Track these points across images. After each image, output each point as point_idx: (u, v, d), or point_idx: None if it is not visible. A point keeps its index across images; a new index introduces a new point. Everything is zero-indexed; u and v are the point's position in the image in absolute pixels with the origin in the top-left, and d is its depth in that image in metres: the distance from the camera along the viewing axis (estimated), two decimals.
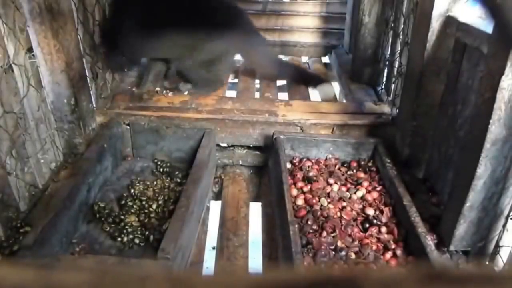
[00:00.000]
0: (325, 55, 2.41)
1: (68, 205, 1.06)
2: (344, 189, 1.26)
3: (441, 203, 1.21)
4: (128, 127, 1.42)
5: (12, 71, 1.10)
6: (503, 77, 0.84)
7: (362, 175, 1.31)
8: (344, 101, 1.84)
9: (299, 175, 1.30)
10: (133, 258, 0.97)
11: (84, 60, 1.40)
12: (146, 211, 1.17)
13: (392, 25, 1.68)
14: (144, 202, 1.20)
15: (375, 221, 1.13)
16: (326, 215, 1.13)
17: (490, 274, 0.21)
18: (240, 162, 1.53)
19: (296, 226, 1.02)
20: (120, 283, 0.19)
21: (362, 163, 1.37)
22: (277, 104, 1.60)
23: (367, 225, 1.12)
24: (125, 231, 1.09)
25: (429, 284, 0.20)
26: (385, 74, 1.79)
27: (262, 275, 0.21)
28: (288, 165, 1.35)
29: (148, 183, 1.28)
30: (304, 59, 2.40)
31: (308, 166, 1.34)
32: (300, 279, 0.20)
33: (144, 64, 1.99)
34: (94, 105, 1.48)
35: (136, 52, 1.81)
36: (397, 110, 1.50)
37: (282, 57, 2.30)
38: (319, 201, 1.19)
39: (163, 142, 1.41)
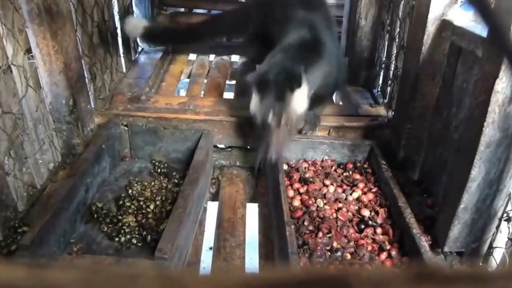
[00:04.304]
0: None
1: (66, 205, 1.06)
2: (340, 190, 1.26)
3: (436, 204, 1.22)
4: (126, 128, 1.42)
5: (11, 71, 1.10)
6: (497, 80, 0.86)
7: (358, 176, 1.32)
8: (341, 103, 1.85)
9: (296, 176, 1.31)
10: (130, 258, 0.98)
11: (82, 61, 1.41)
12: (143, 211, 1.18)
13: (388, 28, 1.70)
14: (141, 203, 1.20)
15: (370, 222, 1.14)
16: (322, 216, 1.14)
17: (480, 273, 0.21)
18: (237, 163, 1.54)
19: (293, 227, 1.03)
20: (111, 281, 0.19)
21: (358, 164, 1.37)
22: None
23: (363, 226, 1.13)
24: (122, 231, 1.09)
25: (420, 283, 0.20)
26: (381, 77, 1.81)
27: (254, 274, 0.21)
28: (285, 167, 1.36)
29: (145, 183, 1.28)
30: None
31: (305, 168, 1.35)
32: (291, 278, 0.20)
33: (141, 65, 2.00)
34: (93, 106, 1.49)
35: None
36: (393, 113, 1.52)
37: None
38: (315, 202, 1.20)
39: (161, 143, 1.42)
